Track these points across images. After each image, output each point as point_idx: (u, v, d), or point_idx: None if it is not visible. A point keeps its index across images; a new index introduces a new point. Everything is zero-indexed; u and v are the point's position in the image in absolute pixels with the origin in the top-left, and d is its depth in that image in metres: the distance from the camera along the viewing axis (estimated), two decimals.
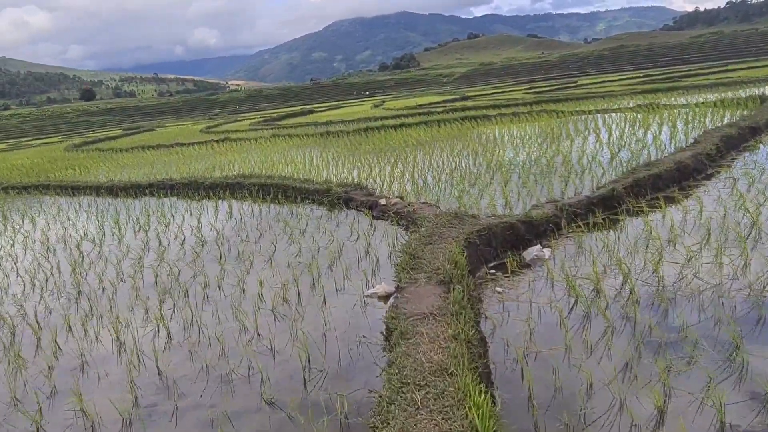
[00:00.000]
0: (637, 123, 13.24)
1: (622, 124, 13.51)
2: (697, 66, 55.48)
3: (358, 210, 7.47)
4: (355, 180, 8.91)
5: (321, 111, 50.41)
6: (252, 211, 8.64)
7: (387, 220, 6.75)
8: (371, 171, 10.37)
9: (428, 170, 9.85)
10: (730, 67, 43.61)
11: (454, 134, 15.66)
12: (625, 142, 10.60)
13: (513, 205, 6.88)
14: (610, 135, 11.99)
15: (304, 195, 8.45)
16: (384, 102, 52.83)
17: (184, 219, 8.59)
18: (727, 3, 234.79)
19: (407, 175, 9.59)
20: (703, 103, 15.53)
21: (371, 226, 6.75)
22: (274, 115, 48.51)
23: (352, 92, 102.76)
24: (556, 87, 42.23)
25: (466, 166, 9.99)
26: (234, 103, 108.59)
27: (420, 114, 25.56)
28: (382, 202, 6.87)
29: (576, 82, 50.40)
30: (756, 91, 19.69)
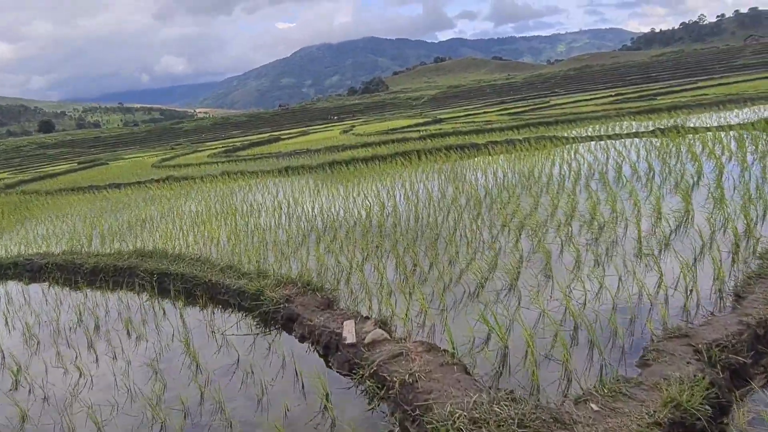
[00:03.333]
0: (729, 154, 10.66)
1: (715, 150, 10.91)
2: (667, 84, 55.13)
3: (304, 341, 4.41)
4: (308, 270, 5.89)
5: (288, 138, 47.61)
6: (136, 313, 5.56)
7: (360, 383, 3.54)
8: (331, 243, 7.44)
9: (419, 237, 6.95)
10: (700, 84, 43.30)
11: (441, 170, 12.87)
12: None
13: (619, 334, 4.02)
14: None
15: (224, 295, 5.41)
16: (354, 126, 50.41)
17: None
18: (681, 24, 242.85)
19: (385, 248, 6.68)
20: (728, 126, 13.15)
21: (322, 411, 3.56)
22: (238, 144, 45.49)
23: (327, 117, 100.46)
24: (529, 108, 41.04)
25: (474, 228, 7.13)
26: (200, 132, 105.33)
27: (394, 142, 22.86)
28: (349, 338, 3.80)
29: (548, 101, 49.18)
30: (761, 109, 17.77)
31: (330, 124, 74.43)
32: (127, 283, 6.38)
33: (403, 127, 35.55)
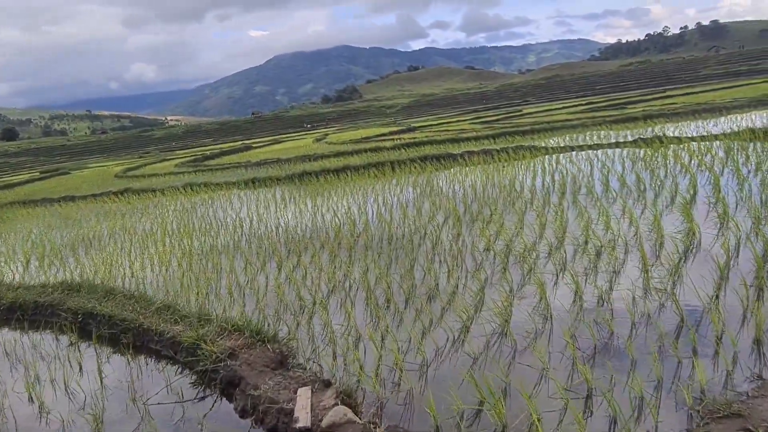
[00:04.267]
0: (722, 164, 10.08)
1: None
2: (636, 93, 55.88)
3: (245, 416, 3.47)
4: (263, 307, 4.99)
5: (260, 146, 46.50)
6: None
7: None
8: (293, 272, 6.56)
9: (393, 264, 6.11)
10: (668, 93, 43.92)
11: (416, 182, 12.09)
12: None
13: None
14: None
15: (156, 344, 4.46)
16: (327, 135, 49.57)
17: None
18: (646, 35, 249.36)
19: (354, 278, 5.83)
20: (712, 136, 12.73)
21: None
22: (208, 152, 44.19)
23: (300, 125, 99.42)
24: (503, 116, 41.01)
25: (454, 251, 6.34)
26: (170, 140, 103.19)
27: (367, 151, 22.06)
28: (302, 419, 2.84)
29: (521, 111, 49.31)
30: (739, 118, 17.56)
31: (303, 133, 73.41)
32: (47, 323, 5.38)
33: (377, 136, 34.89)
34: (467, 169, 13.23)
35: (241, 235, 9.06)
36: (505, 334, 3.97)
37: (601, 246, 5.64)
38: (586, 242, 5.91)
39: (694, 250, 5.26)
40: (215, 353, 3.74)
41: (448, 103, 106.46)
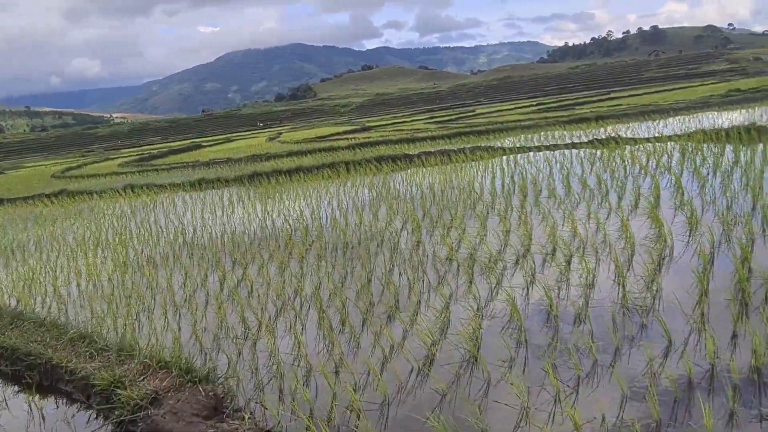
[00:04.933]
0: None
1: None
2: (584, 94, 57.39)
3: None
4: (199, 332, 4.36)
5: (210, 145, 44.97)
6: None
7: None
8: (237, 287, 5.93)
9: (348, 277, 5.56)
10: (613, 95, 45.34)
11: (372, 184, 11.57)
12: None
13: None
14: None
15: (67, 384, 3.75)
16: (281, 134, 48.52)
17: None
18: (592, 39, 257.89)
19: (306, 294, 5.26)
20: (666, 137, 12.80)
21: None
22: (155, 151, 42.38)
23: (254, 123, 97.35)
24: (457, 116, 41.28)
25: (414, 262, 5.86)
26: (116, 138, 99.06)
27: (321, 151, 21.42)
28: None
29: (474, 111, 49.78)
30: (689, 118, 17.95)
31: (256, 131, 71.76)
32: None
33: (332, 135, 34.30)
34: (424, 170, 12.83)
35: (183, 243, 8.30)
36: (476, 362, 3.50)
37: (571, 254, 5.28)
38: (554, 250, 5.55)
39: (668, 259, 4.97)
40: (134, 399, 3.10)
41: (402, 103, 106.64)
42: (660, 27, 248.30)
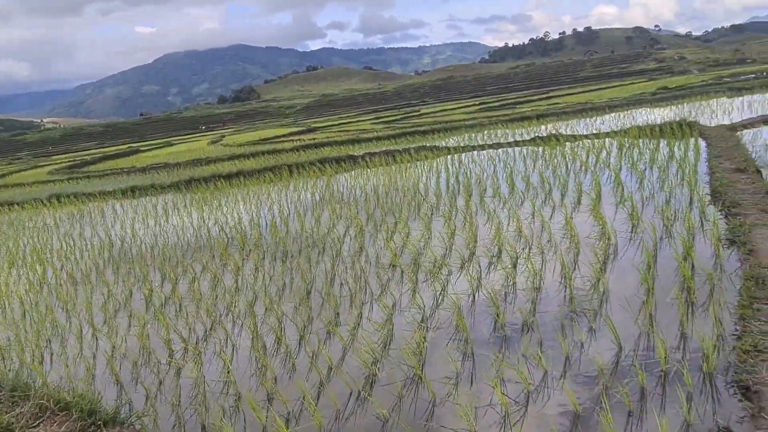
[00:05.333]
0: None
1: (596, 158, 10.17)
2: (524, 93, 58.92)
3: None
4: (113, 368, 3.88)
5: (149, 150, 43.21)
6: None
7: None
8: (164, 306, 5.46)
9: (286, 289, 5.19)
10: (552, 94, 46.78)
11: (316, 187, 11.19)
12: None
13: None
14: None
15: None
16: (224, 136, 47.24)
17: None
18: (530, 40, 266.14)
19: (239, 311, 4.87)
20: (604, 134, 13.07)
21: None
22: (89, 157, 40.27)
23: (196, 126, 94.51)
24: (402, 116, 41.50)
25: (357, 270, 5.56)
26: (47, 144, 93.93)
27: (264, 153, 20.83)
28: None
29: (419, 110, 50.17)
30: (621, 115, 18.54)
31: (198, 134, 69.63)
32: None
33: (276, 137, 33.63)
34: (369, 171, 12.56)
35: (108, 258, 7.67)
36: (421, 381, 3.24)
37: (517, 256, 5.12)
38: (500, 252, 5.39)
39: (612, 257, 4.89)
40: None
41: (348, 104, 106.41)
42: (593, 28, 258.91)
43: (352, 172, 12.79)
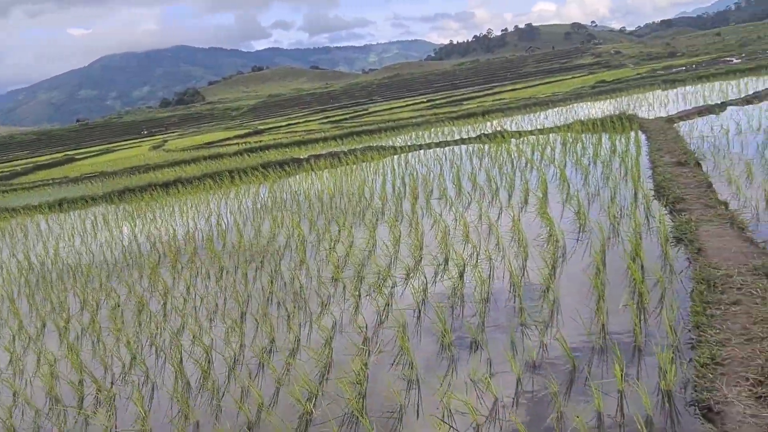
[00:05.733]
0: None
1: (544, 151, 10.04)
2: (470, 90, 59.64)
3: None
4: (5, 420, 3.38)
5: (86, 158, 41.06)
6: None
7: None
8: (87, 328, 4.92)
9: (217, 312, 4.75)
10: (496, 90, 47.55)
11: (257, 194, 10.66)
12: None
13: None
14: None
15: None
16: (166, 141, 45.50)
17: None
18: (474, 37, 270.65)
19: (163, 342, 4.40)
20: (548, 129, 13.13)
21: None
22: (19, 168, 37.86)
23: (138, 131, 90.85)
24: (350, 115, 41.21)
25: (296, 287, 5.17)
26: None
27: (206, 159, 20.00)
28: None
29: (367, 109, 49.97)
30: (564, 110, 18.81)
31: (140, 140, 66.85)
32: None
33: (221, 140, 32.65)
34: (314, 174, 12.14)
35: (23, 284, 6.96)
36: (361, 416, 2.91)
37: (464, 264, 4.88)
38: (446, 260, 5.14)
39: (561, 261, 4.71)
40: None
41: (295, 104, 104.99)
42: (534, 25, 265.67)
43: (297, 177, 12.34)
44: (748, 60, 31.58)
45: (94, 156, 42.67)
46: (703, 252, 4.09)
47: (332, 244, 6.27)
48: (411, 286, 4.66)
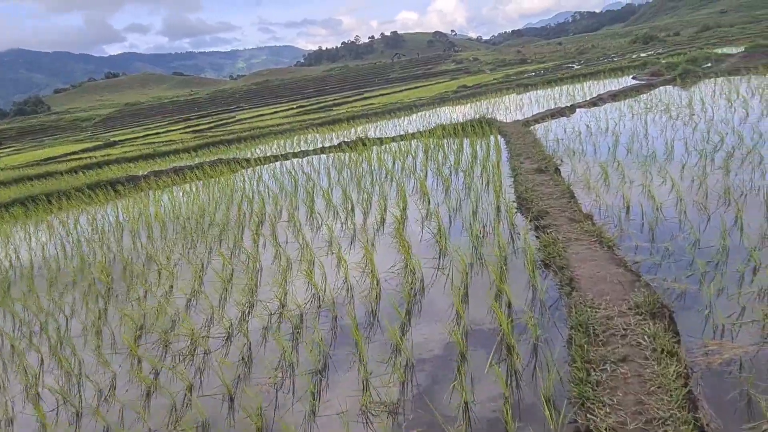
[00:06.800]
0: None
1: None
2: (339, 95, 59.45)
3: None
4: None
5: None
6: None
7: None
8: None
9: None
10: (365, 95, 47.82)
11: (71, 228, 8.74)
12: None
13: None
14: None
15: None
16: None
17: None
18: (342, 43, 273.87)
19: None
20: (410, 135, 12.61)
21: None
22: None
23: None
24: (215, 123, 38.81)
25: (96, 367, 3.76)
26: None
27: (30, 179, 16.96)
28: None
29: (234, 117, 47.53)
30: (426, 114, 18.74)
31: None
32: None
33: (63, 156, 28.66)
34: (151, 195, 10.41)
35: None
36: None
37: (301, 315, 3.84)
38: (281, 312, 4.06)
39: (417, 304, 3.84)
40: None
41: (156, 113, 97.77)
42: (399, 32, 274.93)
43: (130, 199, 10.49)
44: (586, 66, 34.53)
45: None
46: (576, 282, 3.45)
47: (142, 295, 4.89)
48: (228, 353, 3.51)
